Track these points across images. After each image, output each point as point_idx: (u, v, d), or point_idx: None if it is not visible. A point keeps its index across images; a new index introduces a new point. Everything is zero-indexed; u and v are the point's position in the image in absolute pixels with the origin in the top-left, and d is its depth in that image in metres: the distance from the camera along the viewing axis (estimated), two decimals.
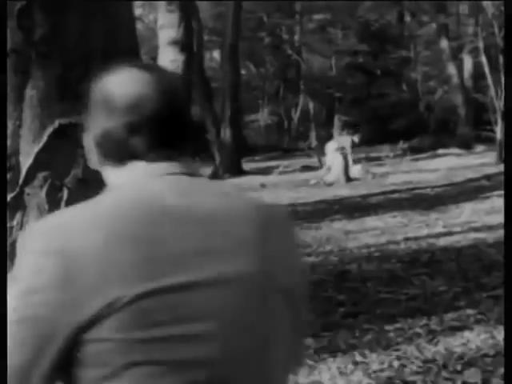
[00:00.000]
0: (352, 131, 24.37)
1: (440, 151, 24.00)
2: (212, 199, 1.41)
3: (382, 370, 4.60)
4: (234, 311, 1.34)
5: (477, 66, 25.76)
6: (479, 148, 23.77)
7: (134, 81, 1.45)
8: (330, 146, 17.97)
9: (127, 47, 3.39)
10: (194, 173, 1.44)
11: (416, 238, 9.11)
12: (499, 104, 19.36)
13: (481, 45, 21.37)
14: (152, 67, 1.53)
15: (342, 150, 17.18)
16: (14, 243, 2.22)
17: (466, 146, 24.26)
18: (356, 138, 18.25)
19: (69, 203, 2.79)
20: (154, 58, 17.60)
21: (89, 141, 1.50)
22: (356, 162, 18.76)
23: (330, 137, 25.12)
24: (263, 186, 17.57)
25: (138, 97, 1.42)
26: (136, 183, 1.41)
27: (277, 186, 17.39)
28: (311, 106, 31.25)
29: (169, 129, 1.44)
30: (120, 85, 1.47)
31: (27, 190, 3.05)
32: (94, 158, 1.50)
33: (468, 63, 27.33)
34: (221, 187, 1.50)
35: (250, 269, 1.37)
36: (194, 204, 1.37)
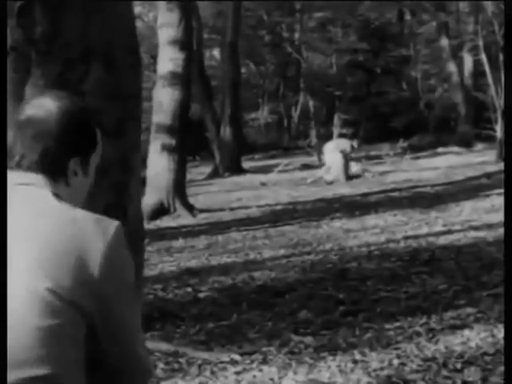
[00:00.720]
0: (352, 132, 24.39)
1: (440, 149, 23.99)
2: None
3: (381, 369, 4.60)
4: None
5: (477, 64, 25.73)
6: (479, 146, 23.76)
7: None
8: (329, 146, 17.94)
9: (127, 46, 3.39)
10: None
11: (416, 237, 9.11)
12: (499, 102, 19.35)
13: (481, 43, 21.34)
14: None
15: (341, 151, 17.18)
16: None
17: (466, 144, 24.25)
18: (355, 144, 18.19)
19: None
20: (154, 57, 17.58)
21: None
22: (356, 160, 18.76)
23: (330, 135, 25.14)
24: (263, 184, 17.57)
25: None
26: None
27: (277, 184, 17.39)
28: (311, 104, 31.21)
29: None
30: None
31: None
32: None
33: (468, 61, 27.29)
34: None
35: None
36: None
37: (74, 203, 1.69)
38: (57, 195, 1.64)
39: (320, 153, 19.39)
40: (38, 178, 1.65)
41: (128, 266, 1.65)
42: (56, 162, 1.67)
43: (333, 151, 17.39)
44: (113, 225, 1.62)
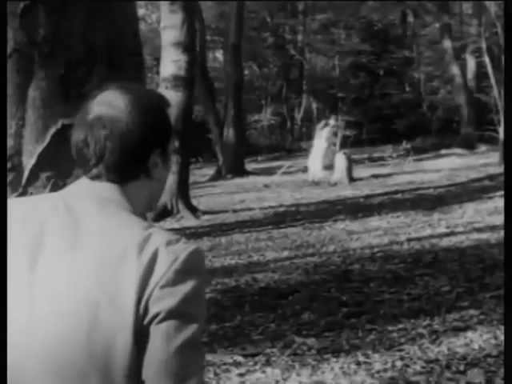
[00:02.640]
0: (355, 134, 24.35)
1: (443, 151, 23.98)
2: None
3: (385, 370, 4.60)
4: None
5: (480, 66, 25.73)
6: (482, 148, 23.75)
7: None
8: (319, 131, 18.05)
9: (130, 47, 3.39)
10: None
11: (419, 239, 9.11)
12: (502, 104, 19.34)
13: (484, 45, 21.34)
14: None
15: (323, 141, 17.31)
16: None
17: (469, 146, 24.23)
18: (332, 121, 18.08)
19: None
20: (157, 59, 17.60)
21: None
22: (359, 162, 18.76)
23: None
24: (266, 186, 17.57)
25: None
26: None
27: (280, 186, 17.39)
28: (314, 106, 31.22)
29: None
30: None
31: (30, 190, 3.05)
32: None
33: (471, 63, 27.28)
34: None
35: None
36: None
37: (154, 197, 1.67)
38: (128, 207, 1.58)
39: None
40: (114, 191, 1.59)
41: (193, 299, 1.49)
42: (137, 159, 1.59)
43: (320, 135, 17.56)
44: (185, 250, 1.51)
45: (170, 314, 1.46)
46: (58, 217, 1.55)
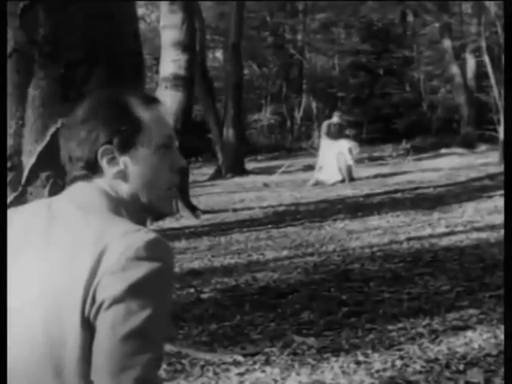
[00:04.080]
0: (355, 133, 24.28)
1: (443, 151, 23.98)
2: None
3: (384, 370, 4.60)
4: None
5: (480, 66, 25.72)
6: (482, 147, 23.74)
7: None
8: (326, 145, 17.85)
9: (130, 47, 3.39)
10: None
11: (419, 238, 9.11)
12: (502, 103, 19.34)
13: (484, 44, 21.34)
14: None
15: (339, 154, 17.10)
16: None
17: (469, 145, 24.23)
18: (355, 147, 17.87)
19: None
20: (157, 58, 17.59)
21: None
22: (359, 161, 18.75)
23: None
24: (266, 185, 17.57)
25: None
26: None
27: (279, 185, 17.39)
28: (314, 105, 31.22)
29: None
30: None
31: (30, 189, 3.05)
32: None
33: (471, 63, 27.27)
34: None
35: None
36: None
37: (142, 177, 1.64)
38: (108, 206, 1.59)
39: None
40: (91, 191, 1.60)
41: (144, 286, 1.45)
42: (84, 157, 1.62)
43: (331, 153, 17.33)
44: (143, 238, 1.50)
45: (116, 301, 1.42)
46: (39, 221, 1.59)
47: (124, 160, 1.62)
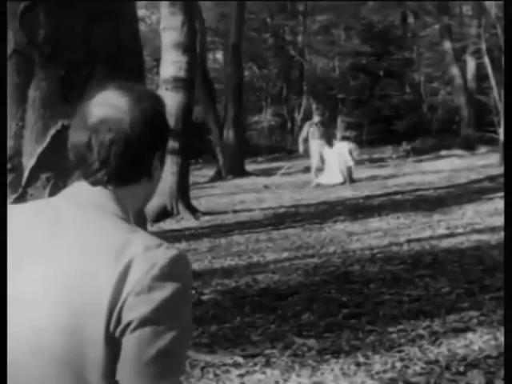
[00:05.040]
0: (355, 135, 24.30)
1: (443, 152, 23.98)
2: None
3: (384, 371, 4.60)
4: None
5: (480, 68, 25.72)
6: (482, 149, 23.74)
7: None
8: (329, 150, 17.90)
9: (130, 48, 3.39)
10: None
11: (419, 240, 9.11)
12: (502, 105, 19.33)
13: (484, 46, 21.35)
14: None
15: (339, 156, 17.11)
16: None
17: (469, 147, 24.23)
18: (354, 149, 17.85)
19: None
20: (157, 60, 17.60)
21: None
22: (359, 163, 18.75)
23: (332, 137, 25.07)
24: (266, 187, 17.57)
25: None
26: None
27: (280, 187, 17.39)
28: (314, 107, 31.21)
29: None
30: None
31: (30, 190, 3.05)
32: None
33: (471, 64, 27.28)
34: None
35: None
36: None
37: (149, 197, 1.66)
38: (121, 216, 1.55)
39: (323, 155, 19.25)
40: (105, 196, 1.56)
41: (170, 307, 1.44)
42: (142, 162, 1.58)
43: (331, 155, 17.37)
44: (166, 255, 1.47)
45: (144, 322, 1.41)
46: (43, 221, 1.54)
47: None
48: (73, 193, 1.59)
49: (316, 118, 18.40)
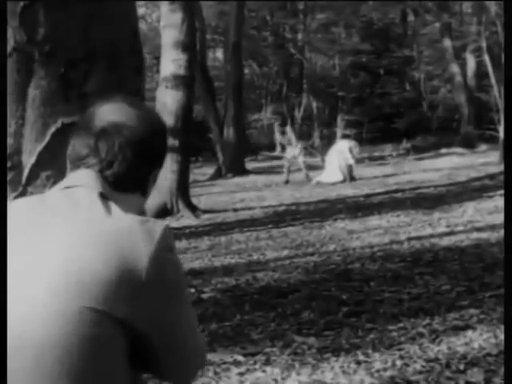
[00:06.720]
0: (355, 133, 24.34)
1: (443, 150, 24.00)
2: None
3: (384, 370, 4.60)
4: None
5: (480, 65, 25.76)
6: (482, 147, 23.75)
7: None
8: (331, 149, 18.04)
9: (130, 46, 3.39)
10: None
11: (419, 238, 9.11)
12: (502, 103, 19.33)
13: (484, 44, 21.36)
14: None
15: (339, 153, 17.14)
16: None
17: (469, 145, 24.25)
18: (354, 146, 17.88)
19: None
20: (157, 58, 17.59)
21: None
22: (359, 161, 18.75)
23: (333, 136, 25.14)
24: (266, 185, 17.58)
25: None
26: None
27: (280, 185, 17.39)
28: (314, 105, 31.23)
29: None
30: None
31: (30, 189, 3.05)
32: None
33: (471, 62, 27.29)
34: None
35: None
36: None
37: (137, 212, 1.62)
38: (104, 196, 1.54)
39: (323, 154, 19.41)
40: (88, 177, 1.56)
41: (177, 268, 1.53)
42: (143, 173, 1.63)
43: (332, 153, 17.44)
44: (159, 227, 1.51)
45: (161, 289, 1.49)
46: (35, 211, 1.54)
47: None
48: (65, 180, 1.61)
49: (288, 128, 18.89)
